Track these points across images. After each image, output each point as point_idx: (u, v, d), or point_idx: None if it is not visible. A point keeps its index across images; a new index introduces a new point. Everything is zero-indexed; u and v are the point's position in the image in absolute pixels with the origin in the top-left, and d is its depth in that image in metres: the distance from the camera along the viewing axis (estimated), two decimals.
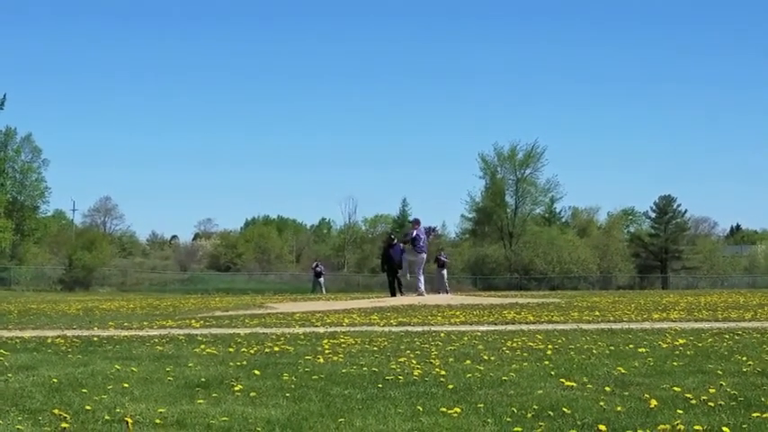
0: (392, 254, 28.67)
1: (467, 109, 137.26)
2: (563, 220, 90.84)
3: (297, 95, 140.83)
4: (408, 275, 24.26)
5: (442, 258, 37.69)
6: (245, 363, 8.39)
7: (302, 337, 11.50)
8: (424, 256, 24.90)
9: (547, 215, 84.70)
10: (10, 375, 7.53)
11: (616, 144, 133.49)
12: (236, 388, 6.72)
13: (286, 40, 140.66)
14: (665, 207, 79.16)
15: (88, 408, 5.84)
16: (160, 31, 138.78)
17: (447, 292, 33.22)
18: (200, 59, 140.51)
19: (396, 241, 30.18)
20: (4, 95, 65.76)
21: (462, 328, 13.06)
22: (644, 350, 9.42)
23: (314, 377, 7.36)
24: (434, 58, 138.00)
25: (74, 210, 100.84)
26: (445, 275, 37.16)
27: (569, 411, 5.70)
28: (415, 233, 25.04)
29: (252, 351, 9.52)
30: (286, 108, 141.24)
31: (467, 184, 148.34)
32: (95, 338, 11.36)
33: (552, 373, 7.60)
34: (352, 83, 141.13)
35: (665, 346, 9.98)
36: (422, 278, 24.77)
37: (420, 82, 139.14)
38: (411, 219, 27.24)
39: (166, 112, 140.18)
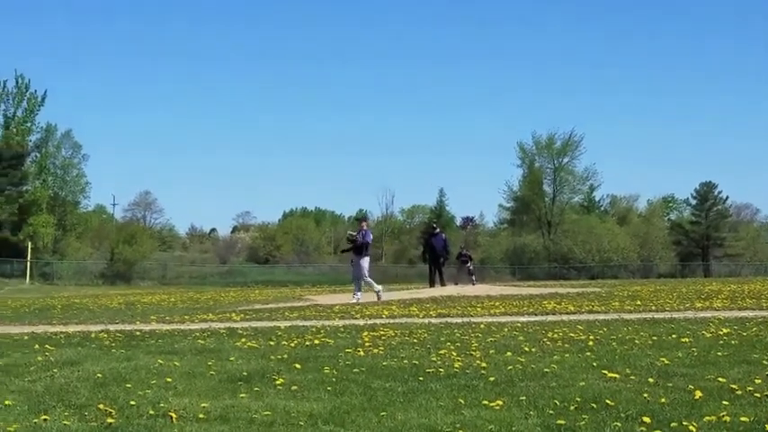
0: (434, 243, 28.50)
1: (504, 97, 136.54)
2: (602, 208, 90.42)
3: (333, 85, 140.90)
4: (365, 277, 20.21)
5: (464, 255, 37.62)
6: (285, 356, 8.41)
7: (342, 329, 11.51)
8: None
9: (585, 204, 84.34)
10: (56, 371, 7.60)
11: (655, 131, 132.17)
12: (278, 382, 6.74)
13: (323, 26, 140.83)
14: (705, 194, 78.48)
15: (133, 403, 5.89)
16: (193, 17, 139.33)
17: (456, 284, 31.83)
18: (234, 48, 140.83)
19: (438, 230, 29.91)
20: (45, 91, 66.74)
21: (502, 320, 13.02)
22: (687, 340, 9.33)
23: (355, 370, 7.36)
24: (472, 45, 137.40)
25: (114, 204, 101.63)
26: (470, 268, 36.78)
27: (613, 403, 5.66)
28: (371, 235, 21.47)
29: (292, 344, 9.55)
30: (321, 98, 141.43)
31: (504, 174, 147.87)
32: (138, 333, 11.44)
33: (594, 364, 7.55)
34: (387, 71, 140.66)
35: (708, 335, 9.88)
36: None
37: (457, 70, 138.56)
38: (359, 216, 22.26)
39: (204, 106, 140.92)
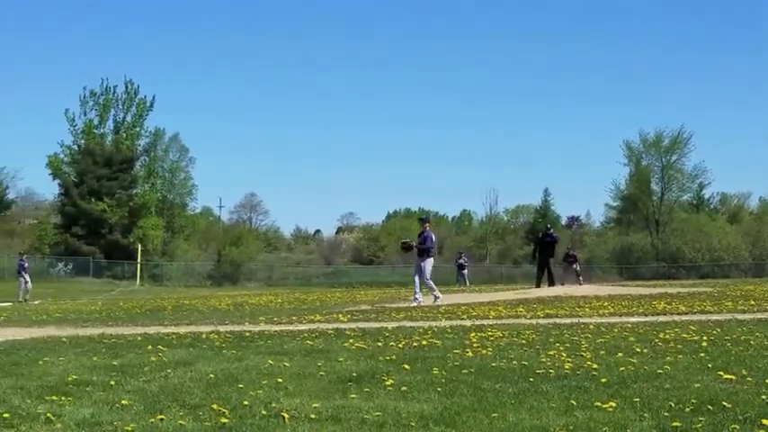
0: (546, 243, 28.56)
1: (610, 95, 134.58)
2: (712, 206, 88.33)
3: (437, 89, 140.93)
4: (425, 280, 19.89)
5: (571, 255, 37.42)
6: (394, 357, 8.42)
7: (449, 330, 11.48)
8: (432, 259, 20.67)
9: (695, 202, 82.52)
10: (169, 371, 7.76)
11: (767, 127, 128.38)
12: (388, 382, 6.74)
13: (424, 36, 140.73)
14: None
15: (245, 403, 5.96)
16: (302, 25, 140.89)
17: (562, 284, 30.93)
18: (341, 54, 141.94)
19: (551, 230, 30.01)
20: (153, 96, 68.44)
21: (612, 320, 12.82)
22: None
23: (464, 371, 7.33)
24: (580, 41, 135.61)
25: (221, 206, 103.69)
26: (577, 268, 36.78)
27: (730, 405, 5.51)
28: (433, 237, 20.67)
29: (400, 345, 9.56)
30: (427, 102, 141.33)
31: (610, 172, 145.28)
32: (247, 333, 11.60)
33: (709, 365, 7.36)
34: (493, 77, 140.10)
35: None
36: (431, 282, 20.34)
37: (561, 74, 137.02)
38: (423, 217, 22.29)
39: (308, 108, 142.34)
